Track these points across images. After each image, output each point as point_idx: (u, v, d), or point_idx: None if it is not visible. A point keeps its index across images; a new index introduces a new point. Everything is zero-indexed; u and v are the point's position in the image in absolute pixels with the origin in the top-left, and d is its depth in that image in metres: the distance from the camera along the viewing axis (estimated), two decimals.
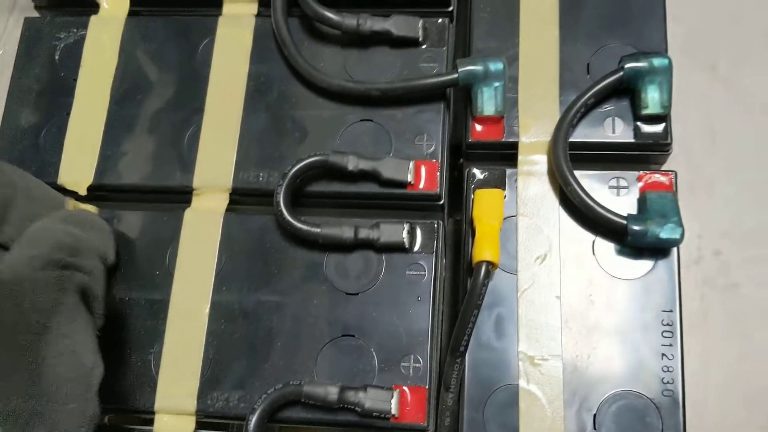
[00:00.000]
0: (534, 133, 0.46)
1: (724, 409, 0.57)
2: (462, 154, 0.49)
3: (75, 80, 0.51)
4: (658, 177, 0.45)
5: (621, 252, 0.44)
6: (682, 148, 0.65)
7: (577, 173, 0.44)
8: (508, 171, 0.46)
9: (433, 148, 0.47)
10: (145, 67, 0.51)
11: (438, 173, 0.46)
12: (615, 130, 0.46)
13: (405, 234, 0.45)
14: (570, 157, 0.45)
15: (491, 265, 0.42)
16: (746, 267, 0.61)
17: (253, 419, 0.40)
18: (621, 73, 0.45)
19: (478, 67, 0.45)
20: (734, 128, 0.66)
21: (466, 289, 0.43)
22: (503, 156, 0.47)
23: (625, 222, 0.42)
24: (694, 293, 0.61)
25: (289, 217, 0.44)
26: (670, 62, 0.44)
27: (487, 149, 0.47)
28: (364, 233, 0.45)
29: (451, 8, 0.50)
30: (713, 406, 0.57)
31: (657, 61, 0.44)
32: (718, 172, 0.64)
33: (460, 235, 0.48)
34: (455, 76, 0.46)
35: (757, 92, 0.67)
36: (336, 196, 0.47)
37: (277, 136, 0.48)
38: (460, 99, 0.50)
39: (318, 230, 0.44)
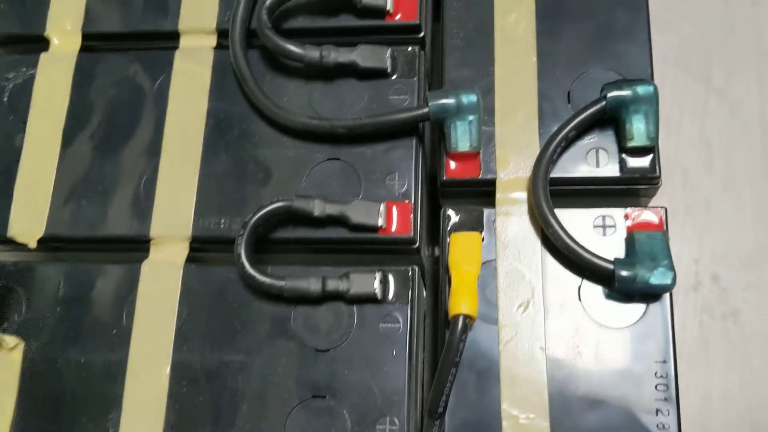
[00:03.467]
0: (513, 169, 0.43)
1: None
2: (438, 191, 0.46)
3: (25, 123, 0.48)
4: (646, 215, 0.42)
5: (609, 296, 0.41)
6: (677, 165, 0.62)
7: (560, 212, 0.41)
8: (486, 211, 0.43)
9: (405, 187, 0.44)
10: (98, 106, 0.48)
11: (411, 215, 0.43)
12: (599, 163, 0.43)
13: (377, 284, 0.41)
14: (552, 194, 0.42)
15: (468, 319, 0.39)
16: (745, 292, 0.58)
17: None
18: (603, 104, 0.41)
19: (450, 101, 0.42)
20: (730, 142, 0.63)
21: (444, 341, 0.40)
22: (482, 193, 0.44)
23: (611, 267, 0.39)
24: (693, 321, 0.58)
25: (250, 270, 0.41)
26: (656, 90, 0.41)
27: (463, 187, 0.44)
28: (332, 285, 0.41)
29: (422, 34, 0.47)
30: None
31: (641, 89, 0.41)
32: (715, 190, 0.61)
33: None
34: (426, 110, 0.43)
35: (752, 104, 0.64)
36: (303, 242, 0.44)
37: (239, 178, 0.45)
38: (437, 131, 0.47)
39: (282, 283, 0.41)
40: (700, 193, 0.61)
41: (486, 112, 0.44)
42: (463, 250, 0.41)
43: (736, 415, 0.56)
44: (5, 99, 0.49)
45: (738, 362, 0.57)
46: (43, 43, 0.50)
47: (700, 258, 0.59)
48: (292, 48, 0.45)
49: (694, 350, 0.57)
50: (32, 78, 0.49)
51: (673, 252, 0.58)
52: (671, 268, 0.39)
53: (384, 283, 0.42)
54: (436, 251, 0.49)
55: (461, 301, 0.39)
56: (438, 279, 0.45)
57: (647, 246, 0.40)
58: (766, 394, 0.57)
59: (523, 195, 0.43)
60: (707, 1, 0.67)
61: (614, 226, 0.42)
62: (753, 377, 0.57)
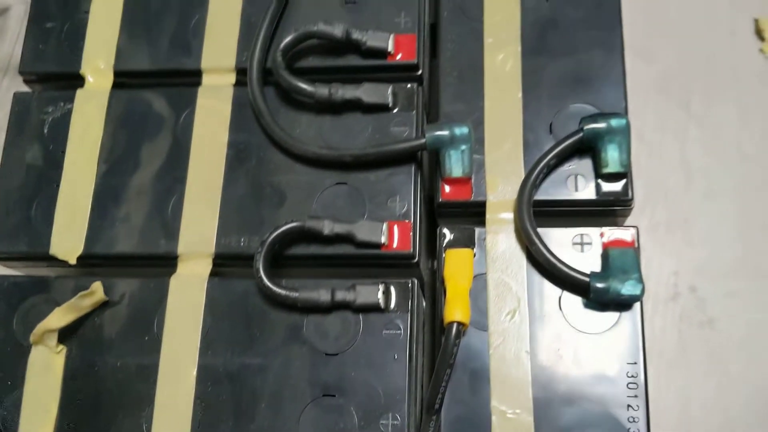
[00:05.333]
0: (501, 192, 0.48)
1: None
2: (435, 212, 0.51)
3: (63, 153, 0.54)
4: (619, 233, 0.47)
5: (587, 306, 0.46)
6: (659, 185, 0.67)
7: (542, 230, 0.46)
8: (478, 230, 0.48)
9: (405, 208, 0.49)
10: (129, 138, 0.53)
11: (411, 233, 0.48)
12: (578, 188, 0.48)
13: (380, 295, 0.47)
14: (535, 214, 0.47)
15: (462, 326, 0.44)
16: (721, 302, 0.63)
17: None
18: (581, 134, 0.47)
19: (445, 132, 0.48)
20: (708, 164, 0.68)
21: (441, 346, 0.45)
22: (474, 213, 0.49)
23: (587, 279, 0.44)
24: (672, 329, 0.63)
25: (268, 283, 0.47)
26: (628, 123, 0.46)
27: (457, 208, 0.49)
28: (340, 295, 0.47)
29: (420, 72, 0.52)
30: None
31: (615, 122, 0.46)
32: (694, 208, 0.66)
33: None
34: (423, 141, 0.48)
35: (730, 129, 0.69)
36: (314, 258, 0.49)
37: (257, 201, 0.51)
38: (433, 158, 0.52)
39: (296, 295, 0.46)
40: (680, 211, 0.66)
41: (477, 142, 0.49)
42: (456, 265, 0.46)
43: (713, 417, 0.61)
44: (45, 130, 0.55)
45: (715, 368, 0.62)
46: (78, 80, 0.56)
47: (679, 270, 0.64)
48: (304, 86, 0.50)
49: (673, 357, 0.62)
50: (69, 112, 0.55)
51: (653, 265, 0.63)
52: (640, 280, 0.44)
53: (387, 293, 0.47)
54: (435, 264, 0.54)
55: (455, 310, 0.44)
56: (436, 290, 0.50)
57: (620, 261, 0.45)
58: (740, 396, 0.61)
59: (510, 215, 0.48)
60: (688, 32, 0.72)
61: (591, 243, 0.47)
62: (729, 381, 0.62)
